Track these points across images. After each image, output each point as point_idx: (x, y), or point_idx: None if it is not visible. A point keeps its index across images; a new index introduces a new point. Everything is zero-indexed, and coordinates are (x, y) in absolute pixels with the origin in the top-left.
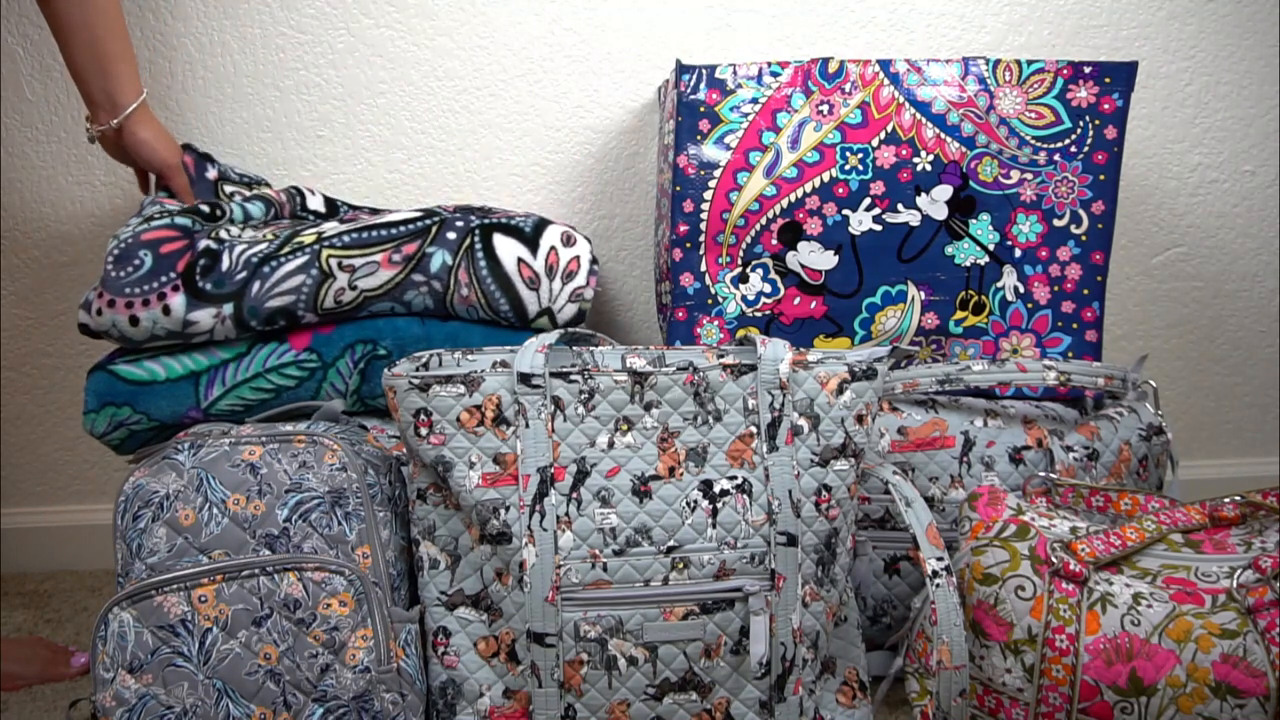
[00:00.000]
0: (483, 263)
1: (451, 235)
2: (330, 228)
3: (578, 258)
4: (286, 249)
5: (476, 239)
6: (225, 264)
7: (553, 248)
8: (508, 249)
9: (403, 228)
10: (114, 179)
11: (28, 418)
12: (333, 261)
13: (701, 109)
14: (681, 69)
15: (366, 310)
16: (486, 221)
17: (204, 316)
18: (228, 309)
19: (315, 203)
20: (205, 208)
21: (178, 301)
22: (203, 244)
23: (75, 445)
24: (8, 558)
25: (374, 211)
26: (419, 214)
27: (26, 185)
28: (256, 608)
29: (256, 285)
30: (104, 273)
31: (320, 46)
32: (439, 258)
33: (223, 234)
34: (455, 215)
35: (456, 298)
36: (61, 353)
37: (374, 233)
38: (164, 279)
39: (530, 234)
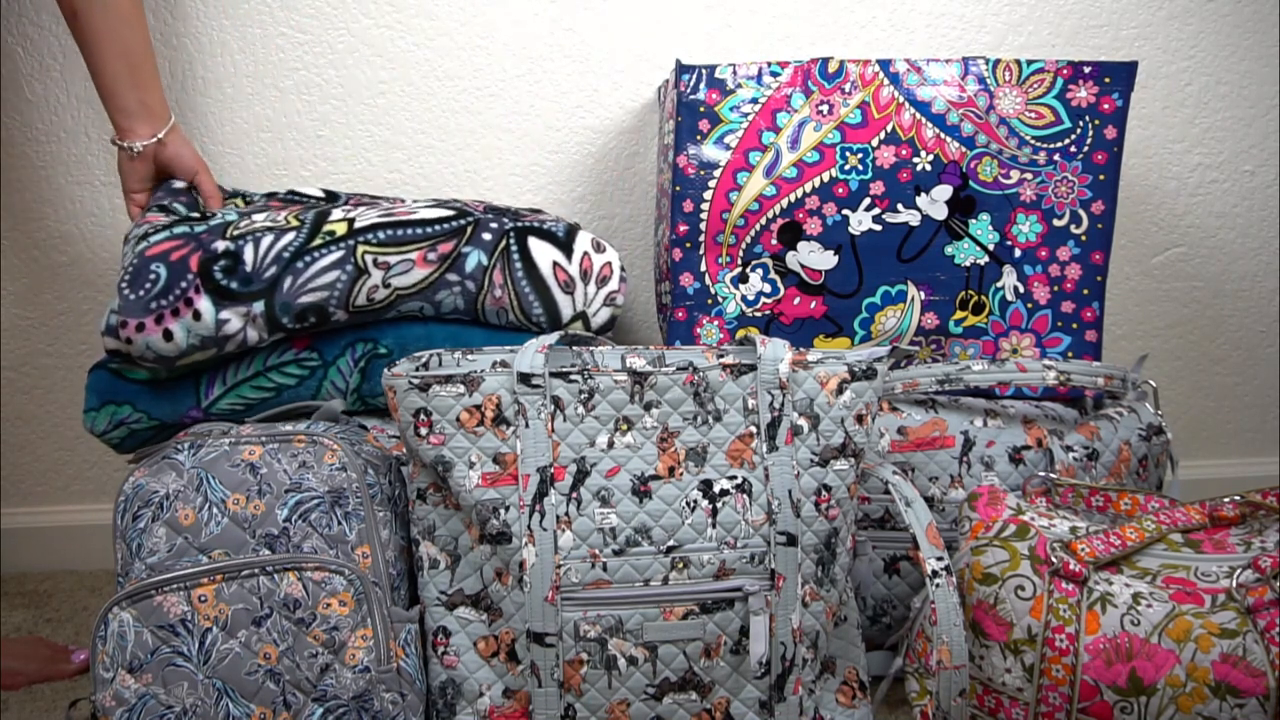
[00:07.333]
0: (518, 265)
1: (487, 236)
2: (359, 216)
3: (610, 263)
4: (317, 240)
5: (512, 241)
6: (249, 261)
7: (586, 253)
8: (543, 252)
9: (437, 226)
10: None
11: (28, 418)
12: (368, 258)
13: (701, 109)
14: (681, 69)
15: (396, 310)
16: (520, 224)
17: (234, 317)
18: (258, 307)
19: (311, 191)
20: (196, 213)
21: (205, 304)
22: (220, 246)
23: (75, 445)
24: (8, 558)
25: (374, 198)
26: (451, 212)
27: (26, 185)
28: (256, 607)
29: (289, 281)
30: (122, 301)
31: (320, 46)
32: (474, 258)
33: (233, 230)
34: (488, 216)
35: (489, 299)
36: (61, 353)
37: (408, 230)
38: (184, 284)
39: (564, 238)
